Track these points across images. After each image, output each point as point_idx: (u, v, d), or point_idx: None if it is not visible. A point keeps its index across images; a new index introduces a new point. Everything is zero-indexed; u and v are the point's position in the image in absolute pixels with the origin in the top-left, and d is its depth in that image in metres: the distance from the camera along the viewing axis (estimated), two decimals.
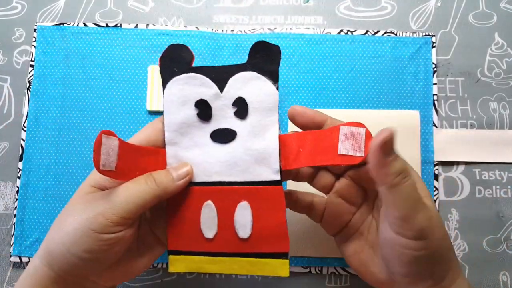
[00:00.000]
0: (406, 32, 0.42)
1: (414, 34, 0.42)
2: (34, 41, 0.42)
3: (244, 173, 0.29)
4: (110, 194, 0.27)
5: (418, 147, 0.40)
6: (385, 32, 0.42)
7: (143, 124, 0.41)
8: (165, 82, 0.30)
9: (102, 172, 0.25)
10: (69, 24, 0.42)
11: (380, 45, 0.42)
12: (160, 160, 0.30)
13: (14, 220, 0.40)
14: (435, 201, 0.40)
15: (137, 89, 0.41)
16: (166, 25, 0.43)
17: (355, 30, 0.42)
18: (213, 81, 0.29)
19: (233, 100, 0.29)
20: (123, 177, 0.27)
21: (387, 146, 0.25)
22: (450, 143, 0.41)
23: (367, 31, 0.42)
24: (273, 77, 0.29)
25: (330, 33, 0.42)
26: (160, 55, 0.30)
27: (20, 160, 0.40)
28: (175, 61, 0.29)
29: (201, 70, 0.29)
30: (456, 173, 0.41)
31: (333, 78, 0.42)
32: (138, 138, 0.29)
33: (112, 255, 0.27)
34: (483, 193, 0.41)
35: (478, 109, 0.42)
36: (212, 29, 0.42)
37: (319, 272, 0.39)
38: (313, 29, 0.43)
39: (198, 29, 0.42)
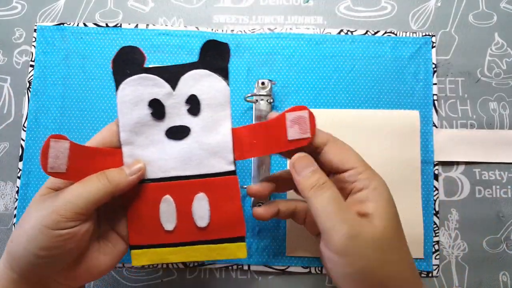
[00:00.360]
0: (406, 32, 0.42)
1: (414, 34, 0.42)
2: (34, 41, 0.42)
3: (200, 166, 0.31)
4: (63, 192, 0.28)
5: (418, 147, 0.40)
6: (385, 32, 0.42)
7: None
8: (117, 84, 0.31)
9: (51, 174, 0.27)
10: (69, 24, 0.42)
11: (380, 45, 0.42)
12: (117, 160, 0.31)
13: (14, 220, 0.40)
14: (434, 201, 0.40)
15: None
16: (166, 25, 0.43)
17: (355, 30, 0.42)
18: (165, 81, 0.30)
19: (186, 97, 0.31)
20: (75, 178, 0.28)
21: (297, 166, 0.29)
22: (450, 143, 0.41)
23: (367, 31, 0.42)
24: (224, 73, 0.31)
25: (330, 33, 0.42)
26: (115, 57, 0.31)
27: (20, 160, 0.40)
28: (128, 63, 0.30)
29: (153, 70, 0.30)
30: (456, 173, 0.41)
31: (333, 78, 0.42)
32: (94, 140, 0.31)
33: (68, 252, 0.28)
34: (483, 193, 0.41)
35: (478, 109, 0.42)
36: (212, 29, 0.42)
37: (319, 272, 0.39)
38: (313, 29, 0.43)
39: (198, 29, 0.42)
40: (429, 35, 0.42)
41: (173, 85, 0.30)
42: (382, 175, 0.29)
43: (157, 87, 0.30)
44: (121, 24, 0.42)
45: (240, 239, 0.31)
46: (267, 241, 0.40)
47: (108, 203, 0.30)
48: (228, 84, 0.31)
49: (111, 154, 0.31)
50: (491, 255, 0.40)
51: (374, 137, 0.40)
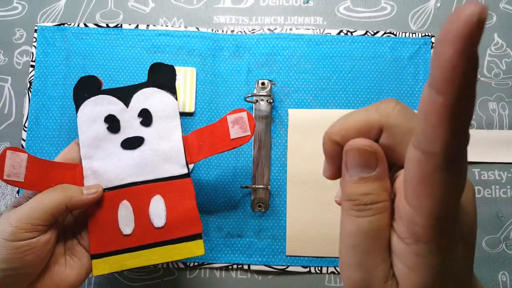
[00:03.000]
0: (405, 33, 0.42)
1: (414, 35, 0.42)
2: (34, 41, 0.42)
3: (155, 171, 0.34)
4: (21, 206, 0.30)
5: None
6: (385, 33, 0.42)
7: None
8: (77, 107, 0.34)
9: (7, 181, 0.30)
10: (70, 24, 0.42)
11: (380, 46, 0.42)
12: (77, 174, 0.34)
13: None
14: None
15: None
16: (166, 26, 0.43)
17: (355, 31, 0.42)
18: (119, 99, 0.35)
19: (138, 111, 0.34)
20: (33, 187, 0.31)
21: (350, 158, 0.18)
22: None
23: (366, 32, 0.42)
24: (172, 90, 0.35)
25: (330, 33, 0.42)
26: (76, 83, 0.35)
27: None
28: (86, 88, 0.35)
29: (108, 91, 0.35)
30: None
31: (333, 78, 0.42)
32: (58, 158, 0.34)
33: (29, 264, 0.29)
34: (483, 193, 0.41)
35: (477, 109, 0.42)
36: (212, 30, 0.42)
37: (319, 272, 0.39)
38: (313, 29, 0.43)
39: (198, 29, 0.42)
40: (428, 35, 0.42)
41: (127, 103, 0.35)
42: None
43: (112, 105, 0.34)
44: (121, 25, 0.42)
45: (197, 236, 0.33)
46: (267, 241, 0.40)
47: (75, 218, 0.32)
48: (176, 99, 0.35)
49: (71, 169, 0.33)
50: (490, 255, 0.40)
51: None
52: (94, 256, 0.32)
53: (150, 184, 0.34)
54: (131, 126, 0.34)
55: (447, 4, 0.43)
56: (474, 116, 0.42)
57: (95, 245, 0.32)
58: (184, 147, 0.34)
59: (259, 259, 0.39)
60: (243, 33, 0.42)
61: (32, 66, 0.42)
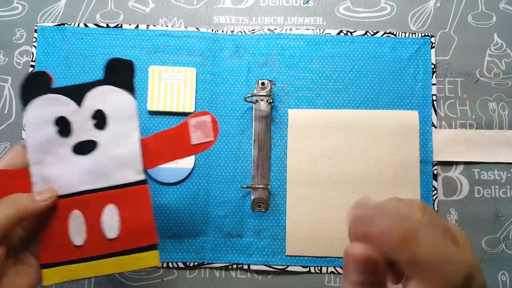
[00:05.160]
0: (405, 33, 0.42)
1: (414, 35, 0.42)
2: (34, 42, 0.42)
3: (108, 178, 0.31)
4: None
5: (417, 147, 0.40)
6: (385, 33, 0.42)
7: (144, 123, 0.41)
8: (25, 107, 0.31)
9: None
10: (70, 24, 0.43)
11: (380, 46, 0.42)
12: (26, 181, 0.31)
13: None
14: (434, 201, 0.40)
15: (137, 90, 0.41)
16: (166, 26, 0.43)
17: (355, 31, 0.42)
18: (71, 98, 0.31)
19: (92, 113, 0.31)
20: None
21: (346, 259, 0.20)
22: (449, 143, 0.41)
23: (366, 32, 0.42)
24: (129, 88, 0.32)
25: (329, 33, 0.42)
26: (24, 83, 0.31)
27: None
28: (34, 87, 0.31)
29: (58, 90, 0.31)
30: (455, 173, 0.41)
31: (333, 78, 0.42)
32: (0, 164, 0.31)
33: None
34: (482, 193, 0.41)
35: (477, 109, 0.42)
36: (212, 30, 0.42)
37: (318, 272, 0.39)
38: (313, 29, 0.43)
39: (198, 29, 0.42)
40: (428, 35, 0.42)
41: (79, 102, 0.31)
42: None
43: (63, 105, 0.31)
44: (121, 25, 0.42)
45: (153, 247, 0.31)
46: (267, 241, 0.40)
47: (24, 226, 0.30)
48: (134, 98, 0.32)
49: (19, 176, 0.31)
50: (490, 254, 0.40)
51: (373, 137, 0.40)
52: (44, 266, 0.30)
53: (103, 192, 0.31)
54: (83, 129, 0.31)
55: (447, 4, 0.44)
56: (474, 116, 0.42)
57: (45, 255, 0.31)
58: (141, 151, 0.32)
59: (259, 259, 0.39)
60: (243, 33, 0.42)
61: (32, 66, 0.42)
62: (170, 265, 0.40)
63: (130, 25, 0.43)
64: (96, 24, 0.43)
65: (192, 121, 0.32)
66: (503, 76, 0.42)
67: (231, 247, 0.40)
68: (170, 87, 0.41)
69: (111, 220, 0.31)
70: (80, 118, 0.31)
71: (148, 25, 0.43)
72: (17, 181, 0.31)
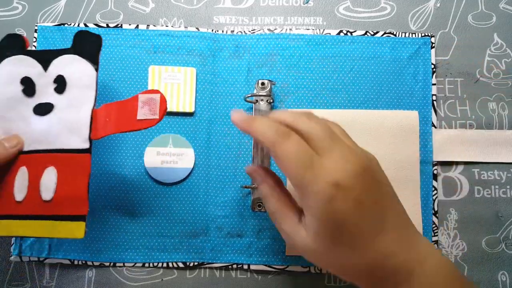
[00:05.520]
0: (405, 33, 0.42)
1: (413, 35, 0.42)
2: (35, 41, 0.42)
3: (56, 141, 0.33)
4: None
5: (417, 147, 0.40)
6: (385, 33, 0.42)
7: None
8: None
9: None
10: (70, 24, 0.43)
11: (380, 46, 0.42)
12: None
13: None
14: (433, 201, 0.40)
15: (137, 90, 0.41)
16: (166, 26, 0.43)
17: (355, 31, 0.42)
18: (39, 62, 0.34)
19: (54, 77, 0.34)
20: None
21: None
22: (449, 143, 0.41)
23: (366, 32, 0.42)
24: (93, 60, 0.34)
25: (329, 33, 0.42)
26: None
27: None
28: (9, 47, 0.34)
29: (29, 52, 0.34)
30: (455, 173, 0.41)
31: (333, 78, 0.42)
32: None
33: None
34: (482, 193, 0.41)
35: (477, 109, 0.42)
36: (212, 30, 0.42)
37: (318, 272, 0.39)
38: (313, 29, 0.43)
39: (198, 29, 0.42)
40: (428, 35, 0.42)
41: (45, 67, 0.34)
42: None
43: (30, 67, 0.34)
44: (121, 25, 0.42)
45: (81, 218, 0.32)
46: (267, 240, 0.40)
47: None
48: (96, 70, 0.34)
49: None
50: (490, 254, 0.40)
51: (373, 137, 0.40)
52: None
53: (48, 154, 0.33)
54: (45, 92, 0.34)
55: (447, 4, 0.44)
56: (474, 116, 0.42)
57: None
58: (91, 121, 0.33)
59: (259, 259, 0.39)
60: (243, 33, 0.42)
61: None
62: (170, 265, 0.40)
63: (130, 25, 0.43)
64: (96, 24, 0.43)
65: (142, 97, 0.33)
66: (503, 76, 0.42)
67: (231, 247, 0.40)
68: (170, 87, 0.41)
69: (49, 181, 0.32)
70: (44, 81, 0.34)
71: (148, 25, 0.43)
72: None
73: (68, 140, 0.33)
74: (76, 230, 0.32)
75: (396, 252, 0.26)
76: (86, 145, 0.33)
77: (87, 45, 0.34)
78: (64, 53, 0.34)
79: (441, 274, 0.26)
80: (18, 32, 0.39)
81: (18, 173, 0.33)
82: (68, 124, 0.33)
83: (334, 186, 0.25)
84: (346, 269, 0.27)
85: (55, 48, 0.42)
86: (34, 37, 0.42)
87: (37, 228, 0.32)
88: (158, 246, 0.40)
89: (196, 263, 0.39)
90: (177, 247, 0.40)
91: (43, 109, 0.34)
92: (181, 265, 0.40)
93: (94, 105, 0.34)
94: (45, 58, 0.34)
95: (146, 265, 0.40)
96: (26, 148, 0.33)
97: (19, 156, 0.33)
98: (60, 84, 0.34)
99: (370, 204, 0.26)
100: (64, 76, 0.34)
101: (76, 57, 0.34)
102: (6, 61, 0.34)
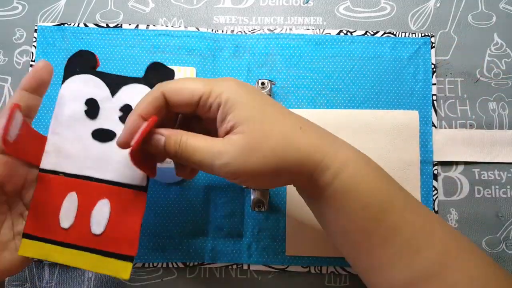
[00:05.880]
0: (405, 33, 0.42)
1: (413, 35, 0.42)
2: (34, 41, 0.42)
3: (114, 172, 0.31)
4: None
5: (417, 147, 0.40)
6: (385, 33, 0.42)
7: None
8: (65, 79, 0.32)
9: (4, 140, 0.27)
10: (70, 24, 0.43)
11: (380, 46, 0.42)
12: (42, 145, 0.31)
13: None
14: (434, 201, 0.40)
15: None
16: (166, 26, 0.43)
17: (355, 31, 0.42)
18: (107, 86, 0.32)
19: (121, 105, 0.32)
20: (15, 152, 0.29)
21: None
22: (449, 143, 0.41)
23: (366, 32, 0.42)
24: None
25: (329, 33, 0.42)
26: (74, 57, 0.33)
27: None
28: (80, 63, 0.32)
29: (99, 74, 0.32)
30: (455, 173, 0.41)
31: (333, 78, 0.42)
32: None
33: None
34: (482, 193, 0.41)
35: (477, 109, 0.42)
36: (212, 30, 0.42)
37: (318, 272, 0.39)
38: (313, 29, 0.43)
39: (198, 29, 0.42)
40: (428, 35, 0.42)
41: (113, 92, 0.32)
42: None
43: (98, 89, 0.32)
44: (121, 25, 0.42)
45: (129, 258, 0.30)
46: (267, 241, 0.40)
47: (22, 197, 0.31)
48: None
49: (38, 138, 0.31)
50: (490, 254, 0.40)
51: (373, 137, 0.40)
52: (25, 235, 0.30)
53: (104, 184, 0.31)
54: (109, 118, 0.32)
55: (446, 4, 0.44)
56: (474, 116, 0.42)
57: (30, 225, 0.30)
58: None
59: (259, 259, 0.39)
60: (243, 33, 0.42)
61: (32, 66, 0.42)
62: (170, 265, 0.39)
63: (130, 25, 0.43)
64: (96, 24, 0.43)
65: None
66: (503, 76, 0.42)
67: (231, 247, 0.40)
68: None
69: (101, 215, 0.31)
70: (109, 106, 0.32)
71: (148, 25, 0.43)
72: (35, 142, 0.31)
73: (127, 174, 0.31)
74: (122, 270, 0.30)
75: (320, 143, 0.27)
76: (144, 182, 0.31)
77: (159, 78, 0.31)
78: (135, 82, 0.32)
79: (361, 153, 0.28)
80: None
81: (66, 197, 0.31)
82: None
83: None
84: (277, 144, 0.26)
85: (55, 48, 0.42)
86: (34, 37, 0.42)
87: (78, 259, 0.30)
88: (158, 246, 0.40)
89: (196, 263, 0.39)
90: (177, 247, 0.40)
91: (104, 136, 0.32)
92: (181, 265, 0.40)
93: None
94: (114, 83, 0.32)
95: (146, 265, 0.40)
96: (78, 172, 0.31)
97: (70, 179, 0.31)
98: (126, 113, 0.30)
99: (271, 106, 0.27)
100: (132, 105, 0.32)
101: (147, 88, 0.32)
102: (76, 77, 0.32)
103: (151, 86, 0.32)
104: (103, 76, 0.32)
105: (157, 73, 0.32)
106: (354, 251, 0.28)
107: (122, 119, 0.32)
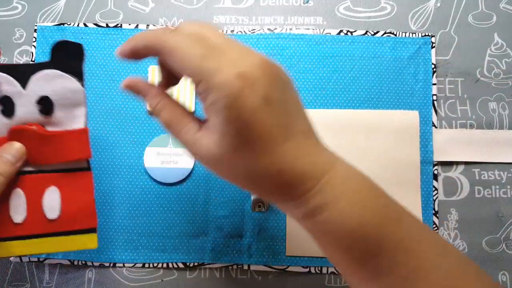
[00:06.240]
0: (405, 33, 0.42)
1: (414, 35, 0.42)
2: (34, 41, 0.42)
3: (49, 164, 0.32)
4: None
5: (417, 147, 0.40)
6: (385, 33, 0.42)
7: (143, 124, 0.41)
8: None
9: None
10: (70, 24, 0.42)
11: (380, 46, 0.42)
12: None
13: None
14: (434, 201, 0.40)
15: None
16: (166, 26, 0.43)
17: (355, 31, 0.42)
18: (16, 79, 0.30)
19: (37, 98, 0.31)
20: None
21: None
22: (450, 143, 0.41)
23: (366, 32, 0.42)
24: (77, 74, 0.31)
25: (329, 33, 0.42)
26: None
27: None
28: None
29: (4, 68, 0.31)
30: (455, 173, 0.41)
31: (333, 78, 0.42)
32: None
33: None
34: (483, 193, 0.41)
35: (477, 109, 0.42)
36: None
37: (318, 272, 0.39)
38: (313, 29, 0.43)
39: None
40: (428, 35, 0.42)
41: (23, 84, 0.31)
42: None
43: (8, 85, 0.30)
44: (121, 25, 0.42)
45: (92, 230, 0.33)
46: (267, 241, 0.40)
47: None
48: (83, 85, 0.31)
49: None
50: (490, 255, 0.40)
51: (374, 137, 0.40)
52: None
53: (46, 174, 0.32)
54: (28, 113, 0.31)
55: (447, 4, 0.43)
56: (474, 116, 0.42)
57: None
58: (87, 139, 0.32)
59: (259, 259, 0.39)
60: (243, 33, 0.42)
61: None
62: (170, 265, 0.39)
63: (129, 25, 0.42)
64: (95, 24, 0.42)
65: None
66: (503, 76, 0.42)
67: (231, 247, 0.40)
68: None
69: (52, 201, 0.32)
70: (24, 101, 0.31)
71: (148, 25, 0.42)
72: None
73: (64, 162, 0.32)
74: (89, 241, 0.32)
75: (305, 154, 0.24)
76: (85, 164, 0.33)
77: (68, 57, 0.31)
78: (42, 68, 0.31)
79: (354, 178, 0.25)
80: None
81: (12, 195, 0.31)
82: None
83: (240, 77, 0.22)
84: (252, 176, 0.24)
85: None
86: (34, 37, 0.42)
87: (44, 245, 0.32)
88: (158, 247, 0.40)
89: (196, 264, 0.39)
90: (177, 247, 0.40)
91: None
92: (181, 265, 0.39)
93: (86, 122, 0.32)
94: (21, 74, 0.31)
95: (146, 265, 0.40)
96: None
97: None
98: (46, 105, 0.31)
99: (279, 103, 0.23)
100: (49, 96, 0.31)
101: (58, 72, 0.31)
102: None
103: (61, 68, 0.31)
104: (9, 69, 0.31)
105: (64, 52, 0.31)
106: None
107: (43, 111, 0.31)
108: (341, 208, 0.23)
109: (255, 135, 0.22)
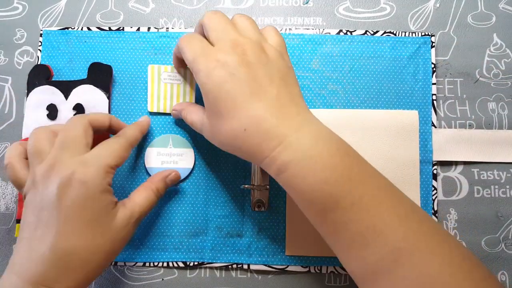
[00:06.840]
0: (405, 32, 0.42)
1: (413, 34, 0.42)
2: (40, 45, 0.42)
3: None
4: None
5: (416, 147, 0.40)
6: (385, 32, 0.42)
7: None
8: (28, 92, 0.40)
9: None
10: (73, 28, 0.43)
11: (379, 45, 0.42)
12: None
13: (15, 219, 0.40)
14: (433, 201, 0.40)
15: (138, 91, 0.42)
16: (166, 26, 0.43)
17: (354, 30, 0.42)
18: (61, 91, 0.40)
19: (74, 105, 0.40)
20: None
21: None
22: (449, 143, 0.41)
23: (366, 31, 0.42)
24: (105, 88, 0.41)
25: (329, 33, 0.42)
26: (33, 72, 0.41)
27: None
28: (37, 77, 0.41)
29: (54, 83, 0.40)
30: (454, 173, 0.41)
31: (333, 78, 0.42)
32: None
33: None
34: (482, 193, 0.41)
35: (476, 109, 0.42)
36: None
37: (318, 272, 0.39)
38: (313, 29, 0.43)
39: None
40: (428, 34, 0.42)
41: (66, 95, 0.40)
42: None
43: (55, 96, 0.40)
44: (123, 28, 0.43)
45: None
46: (267, 240, 0.40)
47: None
48: (108, 97, 0.41)
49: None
50: (489, 254, 0.40)
51: (373, 137, 0.40)
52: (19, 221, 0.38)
53: None
54: (67, 117, 0.40)
55: (446, 4, 0.44)
56: (473, 116, 0.42)
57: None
58: None
59: (259, 259, 0.40)
60: None
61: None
62: (171, 264, 0.40)
63: (131, 27, 0.43)
64: (98, 27, 0.43)
65: None
66: (502, 76, 0.42)
67: (231, 247, 0.40)
68: (170, 87, 0.41)
69: None
70: (65, 107, 0.40)
71: (149, 28, 0.43)
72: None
73: None
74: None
75: (272, 116, 0.28)
76: None
77: (99, 76, 0.41)
78: (81, 84, 0.40)
79: (321, 141, 0.28)
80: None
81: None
82: None
83: (216, 61, 0.29)
84: (228, 137, 0.29)
85: (59, 52, 0.42)
86: (40, 41, 0.42)
87: None
88: (158, 246, 0.40)
89: (196, 263, 0.40)
90: (177, 247, 0.40)
91: None
92: (181, 264, 0.40)
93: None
94: (66, 88, 0.40)
95: (147, 264, 0.40)
96: None
97: None
98: (79, 110, 0.40)
99: (247, 74, 0.28)
100: (82, 104, 0.40)
101: (91, 87, 0.40)
102: (36, 89, 0.40)
103: (94, 84, 0.40)
104: (57, 84, 0.40)
105: (97, 71, 0.41)
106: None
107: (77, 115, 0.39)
108: (302, 166, 0.27)
109: (222, 103, 0.29)
